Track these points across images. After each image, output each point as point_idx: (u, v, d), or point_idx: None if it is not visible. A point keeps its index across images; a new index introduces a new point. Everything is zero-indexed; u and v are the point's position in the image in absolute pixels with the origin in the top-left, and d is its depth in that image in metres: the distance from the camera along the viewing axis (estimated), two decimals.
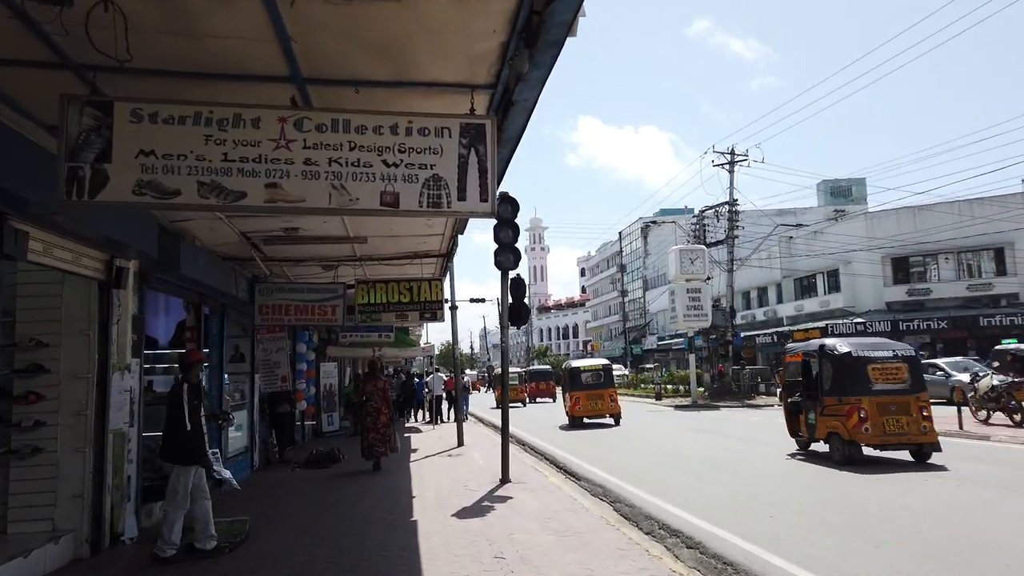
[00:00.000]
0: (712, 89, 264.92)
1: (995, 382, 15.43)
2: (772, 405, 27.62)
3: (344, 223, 9.22)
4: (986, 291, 39.99)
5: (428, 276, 13.05)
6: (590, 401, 21.47)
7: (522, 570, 5.87)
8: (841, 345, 12.18)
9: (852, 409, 11.24)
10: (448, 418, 23.88)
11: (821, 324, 43.58)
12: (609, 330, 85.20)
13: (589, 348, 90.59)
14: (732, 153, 33.77)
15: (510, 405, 36.94)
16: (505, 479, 10.59)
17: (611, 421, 21.63)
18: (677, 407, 29.21)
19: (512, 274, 11.20)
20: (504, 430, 11.12)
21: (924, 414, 11.16)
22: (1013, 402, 14.58)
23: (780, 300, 50.88)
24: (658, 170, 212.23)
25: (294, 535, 7.50)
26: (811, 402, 12.45)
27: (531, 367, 45.15)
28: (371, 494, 9.97)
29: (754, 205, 44.10)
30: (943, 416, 16.77)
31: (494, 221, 10.94)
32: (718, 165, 34.02)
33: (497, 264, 10.97)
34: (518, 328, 12.15)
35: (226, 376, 12.17)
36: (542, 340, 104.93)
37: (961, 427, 14.58)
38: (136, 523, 7.67)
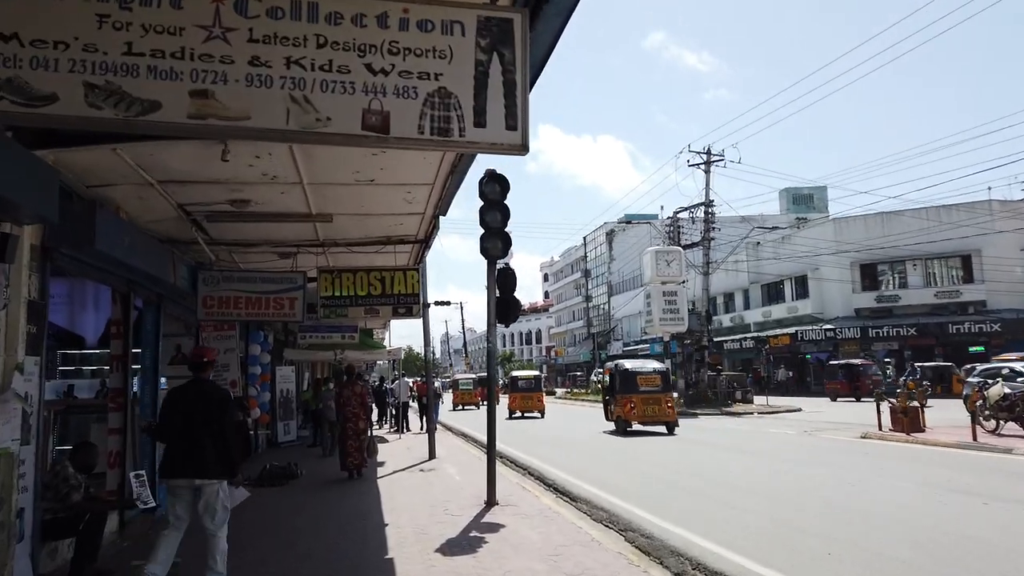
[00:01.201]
0: (667, 101, 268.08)
1: (1007, 390, 14.43)
2: (752, 413, 26.56)
3: (306, 195, 7.63)
4: (954, 298, 39.78)
5: (402, 266, 11.43)
6: (524, 400, 29.42)
7: None
8: (626, 363, 21.00)
9: (627, 401, 19.31)
10: (414, 427, 22.25)
11: (791, 330, 42.98)
12: (573, 335, 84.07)
13: (553, 354, 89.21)
14: (708, 153, 32.82)
15: (465, 407, 36.37)
16: (492, 501, 9.06)
17: (538, 415, 28.78)
18: None
19: (500, 263, 9.71)
20: (490, 446, 9.56)
21: (669, 404, 19.27)
22: None
23: (747, 306, 50.30)
24: (615, 177, 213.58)
25: None
26: (612, 398, 20.66)
27: (482, 374, 45.00)
28: (335, 521, 8.34)
29: (731, 208, 43.33)
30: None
31: (478, 203, 9.50)
32: (694, 165, 33.04)
33: (483, 252, 9.46)
34: (506, 326, 10.73)
35: (163, 380, 10.43)
36: (505, 345, 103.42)
37: (975, 438, 13.49)
38: (32, 568, 5.96)
